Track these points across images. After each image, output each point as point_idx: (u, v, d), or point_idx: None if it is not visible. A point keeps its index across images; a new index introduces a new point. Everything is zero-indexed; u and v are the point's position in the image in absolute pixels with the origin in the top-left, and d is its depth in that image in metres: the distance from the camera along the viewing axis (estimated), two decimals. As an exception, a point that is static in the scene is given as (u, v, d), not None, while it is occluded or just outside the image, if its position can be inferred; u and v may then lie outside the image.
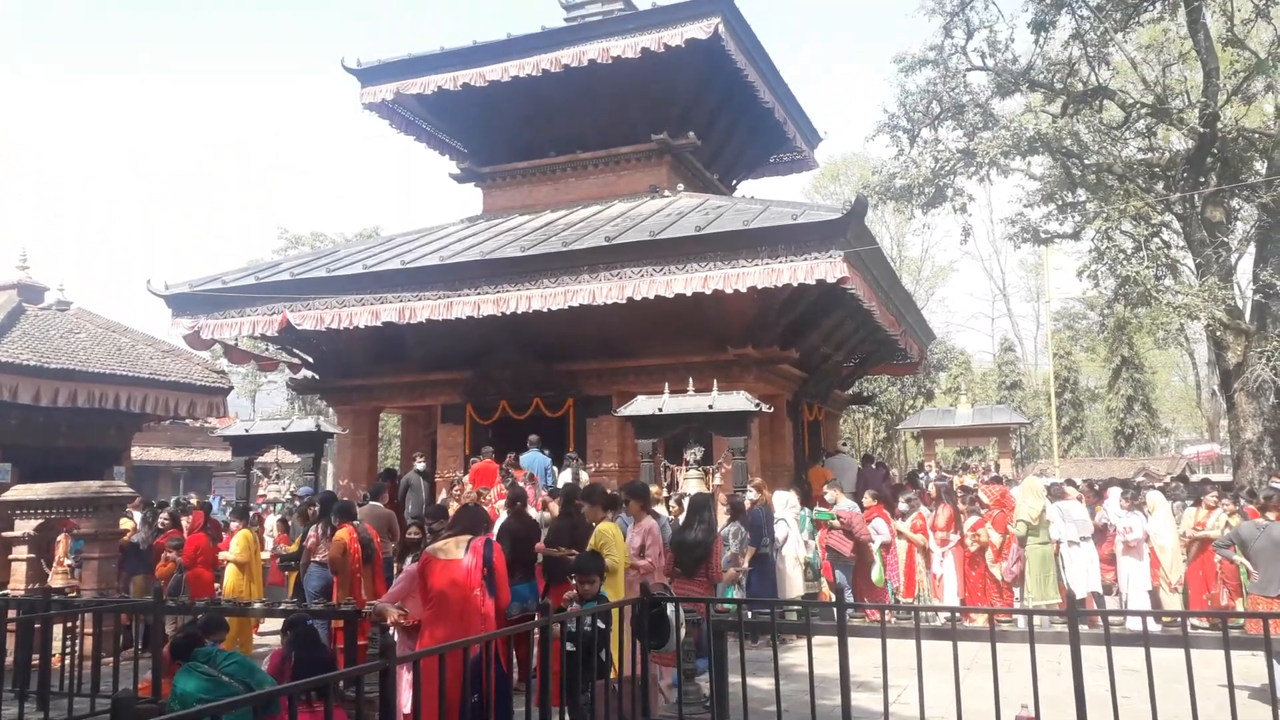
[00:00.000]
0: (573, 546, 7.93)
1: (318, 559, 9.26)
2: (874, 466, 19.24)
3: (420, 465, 14.90)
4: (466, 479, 13.45)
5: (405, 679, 4.98)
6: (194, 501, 16.05)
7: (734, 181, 22.36)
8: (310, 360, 18.36)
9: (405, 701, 4.99)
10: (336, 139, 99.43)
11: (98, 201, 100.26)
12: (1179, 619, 7.19)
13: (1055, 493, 11.41)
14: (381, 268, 15.13)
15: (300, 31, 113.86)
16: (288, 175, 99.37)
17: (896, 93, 17.94)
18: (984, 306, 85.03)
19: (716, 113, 18.77)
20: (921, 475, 20.71)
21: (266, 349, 23.41)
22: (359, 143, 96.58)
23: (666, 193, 17.36)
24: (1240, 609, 9.61)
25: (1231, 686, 4.91)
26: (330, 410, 21.32)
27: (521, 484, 11.92)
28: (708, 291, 13.24)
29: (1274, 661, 5.17)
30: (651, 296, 13.47)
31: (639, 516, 8.18)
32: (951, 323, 57.67)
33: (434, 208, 46.01)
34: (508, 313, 14.11)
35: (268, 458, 17.13)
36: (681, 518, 9.24)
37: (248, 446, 15.23)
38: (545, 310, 13.97)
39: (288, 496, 16.57)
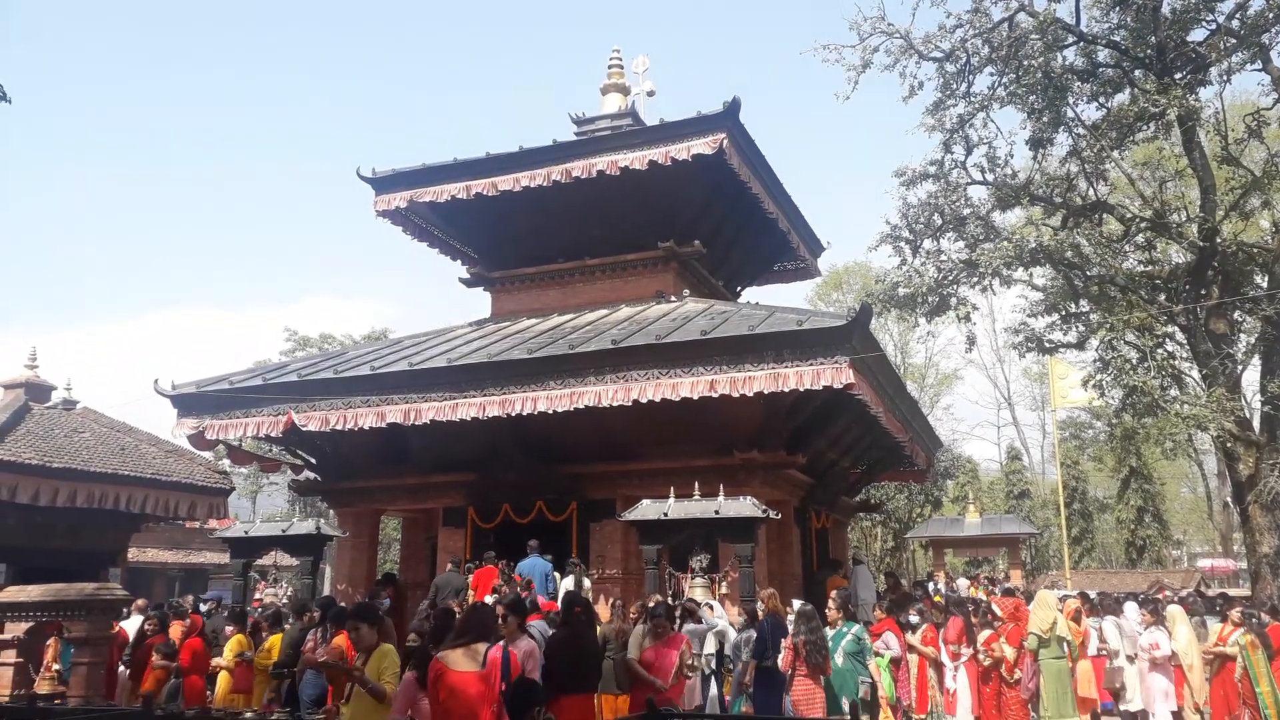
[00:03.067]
0: (575, 656, 7.71)
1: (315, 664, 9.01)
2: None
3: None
4: (471, 583, 13.18)
5: None
6: (188, 603, 15.71)
7: (738, 288, 22.66)
8: (313, 461, 18.28)
9: None
10: (348, 244, 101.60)
11: (110, 299, 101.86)
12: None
13: (1108, 607, 11.31)
14: (389, 369, 15.20)
15: (310, 137, 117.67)
16: (299, 277, 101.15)
17: (898, 204, 18.30)
18: (989, 414, 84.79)
19: (721, 222, 19.18)
20: (930, 585, 20.26)
21: (270, 450, 23.35)
22: (370, 248, 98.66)
23: (672, 298, 17.57)
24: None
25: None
26: (331, 512, 21.10)
27: (519, 589, 11.71)
28: (714, 395, 13.25)
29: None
30: (657, 399, 13.47)
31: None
32: (957, 430, 57.35)
33: (444, 311, 46.74)
34: (513, 414, 14.10)
35: (266, 560, 16.85)
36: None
37: (246, 549, 15.02)
38: (551, 412, 13.96)
39: (284, 601, 16.23)
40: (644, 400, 13.54)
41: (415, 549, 19.13)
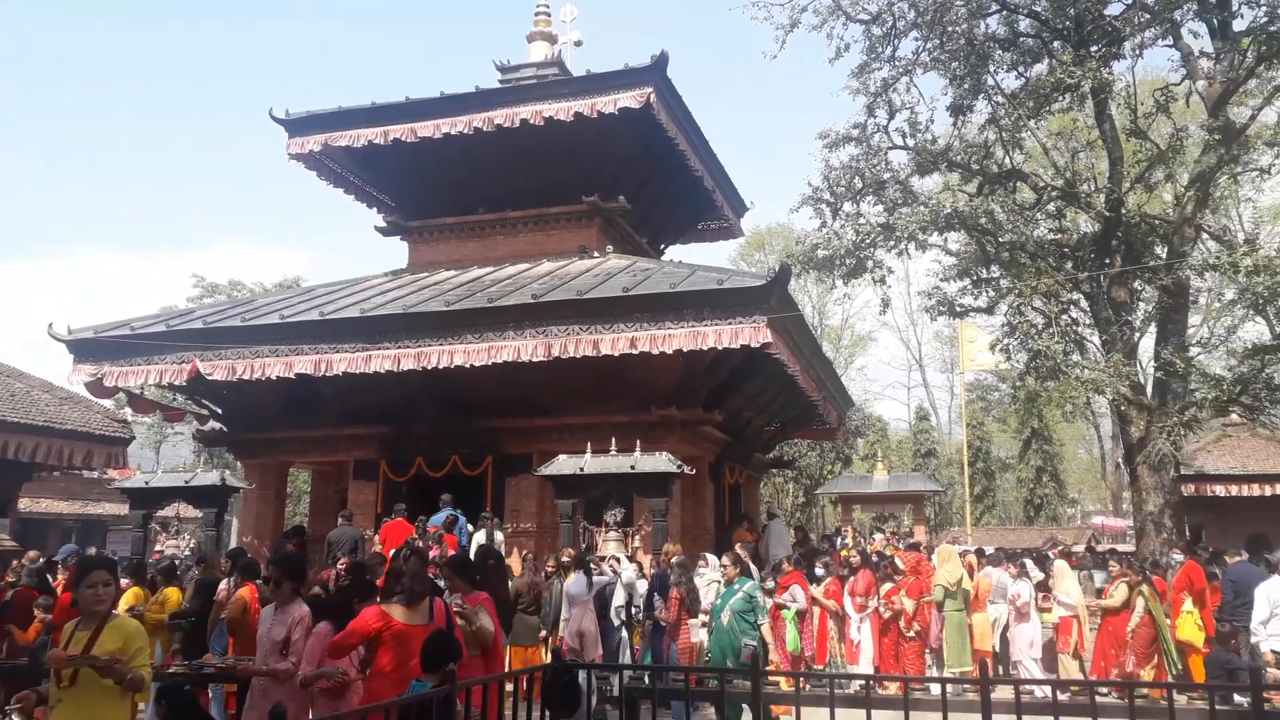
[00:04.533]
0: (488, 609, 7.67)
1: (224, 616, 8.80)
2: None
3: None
4: (378, 538, 13.02)
5: None
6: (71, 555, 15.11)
7: (662, 246, 22.62)
8: (219, 412, 17.74)
9: None
10: (261, 188, 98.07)
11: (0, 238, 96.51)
12: (1086, 687, 7.26)
13: (993, 560, 11.73)
14: (299, 318, 14.78)
15: (224, 73, 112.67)
16: (209, 222, 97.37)
17: (821, 167, 18.41)
18: (901, 376, 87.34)
19: (647, 178, 19.05)
20: (838, 540, 20.82)
21: (174, 399, 22.55)
22: (284, 193, 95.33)
23: (595, 254, 17.44)
24: (1146, 678, 9.79)
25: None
26: (238, 464, 20.56)
27: (433, 542, 11.61)
28: (634, 352, 13.26)
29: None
30: (577, 356, 13.42)
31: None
32: (870, 391, 58.92)
33: (360, 261, 45.56)
34: (429, 368, 13.88)
35: (168, 512, 16.32)
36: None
37: (147, 500, 14.53)
38: (468, 366, 13.79)
39: (186, 553, 15.78)
40: (564, 356, 13.47)
41: (325, 502, 18.81)
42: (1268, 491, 19.82)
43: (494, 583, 8.02)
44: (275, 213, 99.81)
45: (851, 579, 11.39)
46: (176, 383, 15.93)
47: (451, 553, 11.83)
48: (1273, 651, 8.81)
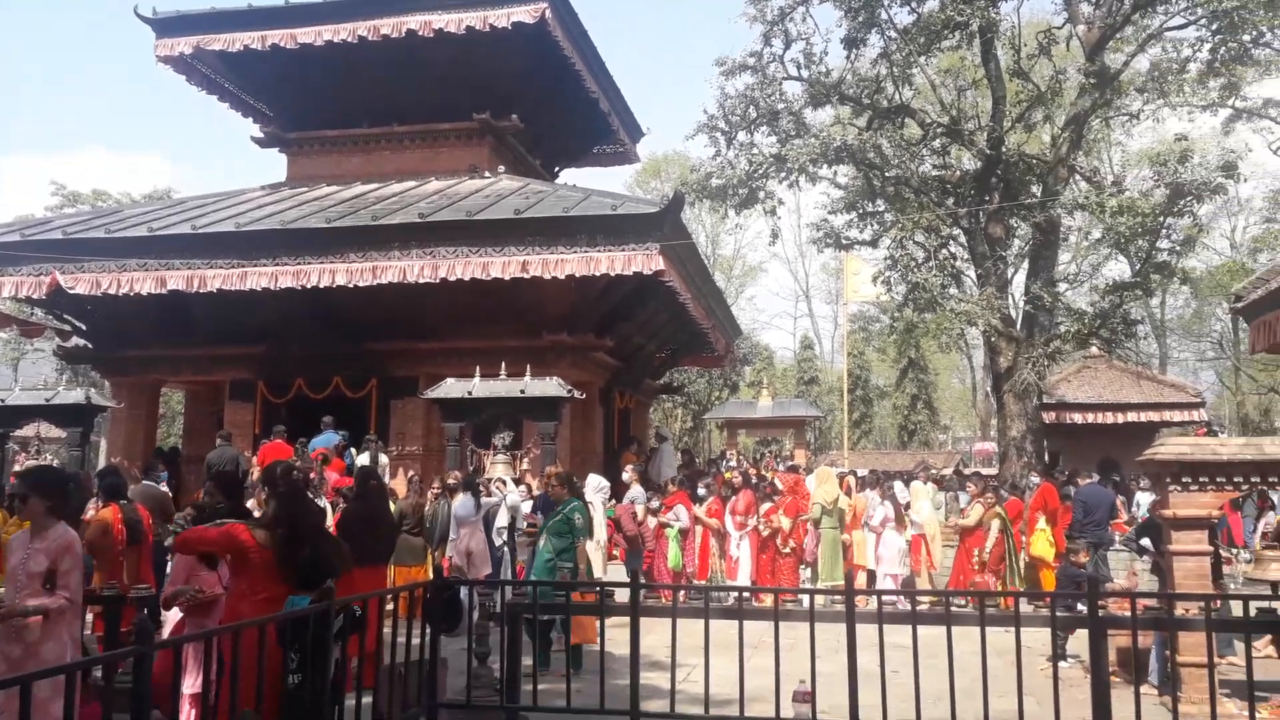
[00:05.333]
0: (369, 529, 7.62)
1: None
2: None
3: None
4: (255, 460, 12.69)
5: (192, 661, 4.63)
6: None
7: (556, 169, 22.28)
8: (84, 328, 16.80)
9: (190, 684, 4.64)
10: (128, 91, 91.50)
11: None
12: (942, 598, 7.74)
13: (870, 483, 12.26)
14: (170, 231, 14.08)
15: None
16: (69, 125, 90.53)
17: (717, 95, 18.43)
18: (788, 306, 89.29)
19: (541, 98, 18.61)
20: (723, 462, 21.42)
21: (33, 313, 21.20)
22: (154, 98, 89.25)
23: (486, 174, 17.05)
24: (996, 589, 10.51)
25: (985, 658, 5.32)
26: (106, 383, 19.60)
27: (319, 466, 11.41)
28: (525, 276, 13.15)
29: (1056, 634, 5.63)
30: (466, 278, 13.21)
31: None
32: (758, 320, 60.03)
33: (236, 174, 43.10)
34: (309, 286, 13.47)
35: (27, 431, 15.49)
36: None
37: (4, 419, 13.73)
38: (351, 286, 13.42)
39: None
40: (452, 279, 13.25)
41: (200, 423, 18.15)
42: (1120, 419, 21.24)
43: (375, 503, 7.97)
44: (145, 120, 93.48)
45: (733, 499, 11.77)
46: (35, 296, 14.99)
47: (335, 476, 11.67)
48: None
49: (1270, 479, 6.73)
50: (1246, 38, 16.70)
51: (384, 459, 12.99)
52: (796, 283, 74.50)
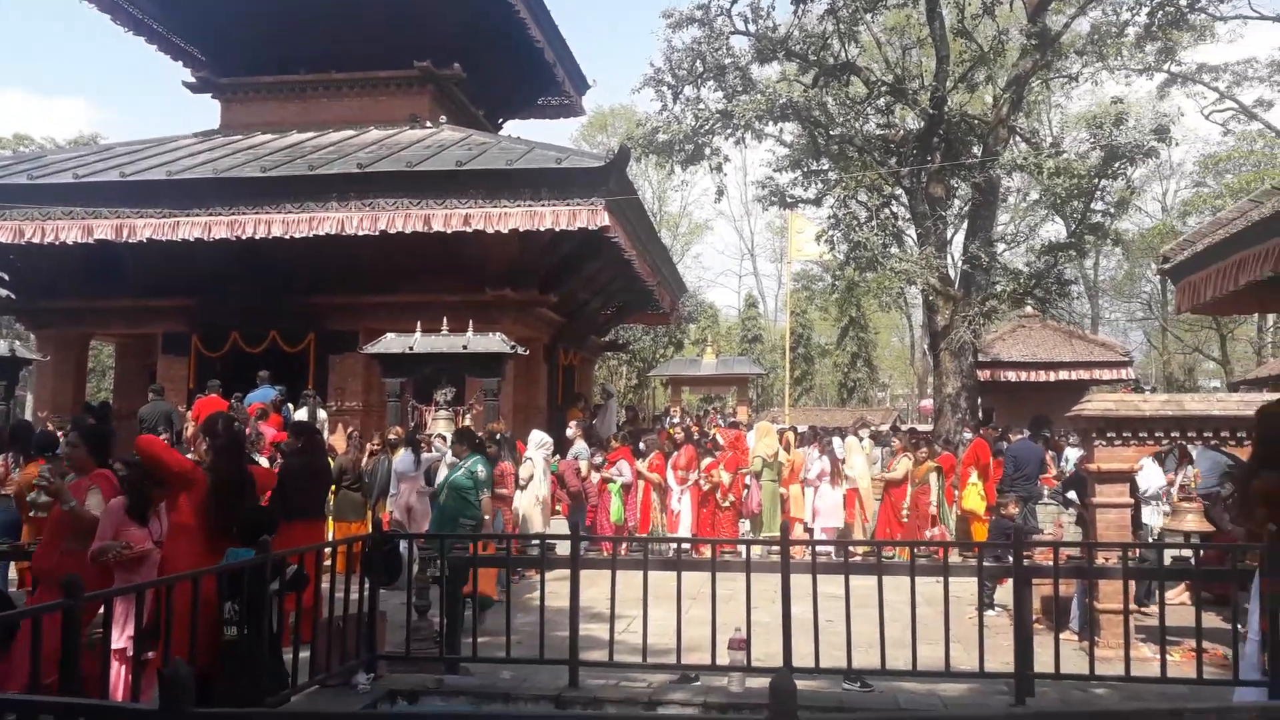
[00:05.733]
0: (307, 483, 7.54)
1: (4, 492, 8.25)
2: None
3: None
4: (190, 415, 12.42)
5: (123, 616, 4.56)
6: None
7: (500, 120, 21.91)
8: (5, 278, 16.19)
9: (118, 638, 4.58)
10: (50, 30, 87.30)
11: None
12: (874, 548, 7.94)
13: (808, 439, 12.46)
14: (97, 179, 13.57)
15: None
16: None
17: (663, 48, 18.24)
18: (734, 264, 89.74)
19: (485, 47, 18.21)
20: (667, 419, 21.57)
21: (-51, 264, 20.34)
22: (78, 38, 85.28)
23: (428, 124, 16.69)
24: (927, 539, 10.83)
25: (914, 607, 5.49)
26: (31, 336, 18.95)
27: (255, 421, 11.22)
28: (468, 230, 12.97)
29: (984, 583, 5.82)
30: (407, 231, 12.99)
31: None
32: (704, 278, 60.39)
33: (168, 121, 41.50)
34: (244, 237, 13.12)
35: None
36: None
37: (-79, 373, 13.20)
38: (287, 238, 13.11)
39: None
40: (392, 231, 13.03)
41: (132, 377, 17.70)
42: (1052, 377, 21.84)
43: (315, 458, 7.88)
44: (68, 62, 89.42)
45: (675, 454, 11.89)
46: (-49, 245, 14.37)
47: (273, 432, 11.48)
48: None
49: (1190, 434, 7.00)
50: (1183, 1, 17.00)
51: (322, 414, 12.82)
52: (742, 241, 74.98)
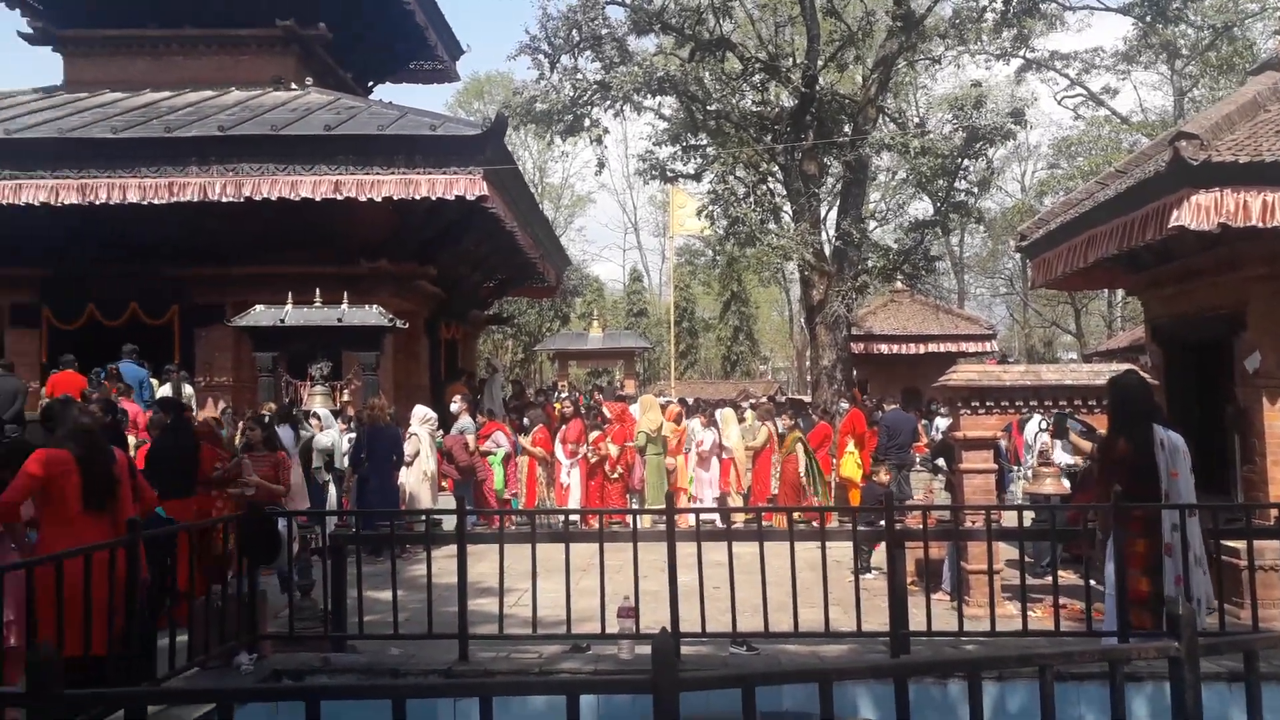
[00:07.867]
0: (176, 461, 7.17)
1: None
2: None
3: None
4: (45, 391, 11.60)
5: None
6: None
7: (370, 84, 21.18)
8: None
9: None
10: None
11: None
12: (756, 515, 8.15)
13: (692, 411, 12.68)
14: (-77, 136, 12.38)
15: None
16: None
17: (539, 15, 18.01)
18: (618, 238, 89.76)
19: (351, 6, 17.47)
20: (554, 393, 21.51)
21: None
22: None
23: (293, 86, 15.94)
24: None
25: (794, 572, 5.66)
26: None
27: (117, 398, 10.57)
28: (338, 198, 12.50)
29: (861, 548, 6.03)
30: (273, 198, 12.43)
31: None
32: (588, 251, 60.13)
33: (5, 75, 38.15)
34: (96, 203, 12.27)
35: None
36: None
37: None
38: (144, 204, 12.34)
39: None
40: (258, 198, 12.45)
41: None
42: (921, 350, 22.74)
43: (184, 436, 7.51)
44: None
45: (563, 428, 11.87)
46: None
47: (139, 408, 10.86)
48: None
49: (1046, 402, 7.44)
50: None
51: (188, 390, 12.18)
52: (625, 215, 75.08)
